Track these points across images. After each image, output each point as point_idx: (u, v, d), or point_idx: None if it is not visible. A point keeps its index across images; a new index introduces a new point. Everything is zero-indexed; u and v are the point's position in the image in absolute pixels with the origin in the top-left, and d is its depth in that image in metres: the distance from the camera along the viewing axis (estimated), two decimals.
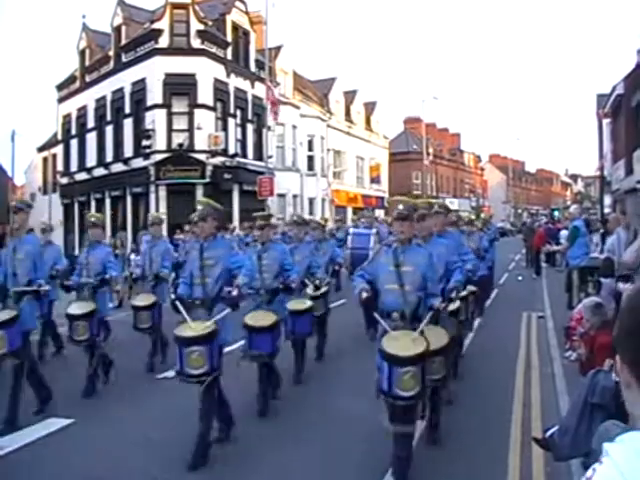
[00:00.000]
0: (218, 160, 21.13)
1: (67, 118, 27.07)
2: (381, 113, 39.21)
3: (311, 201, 27.86)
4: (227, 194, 21.61)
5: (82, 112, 25.57)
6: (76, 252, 18.14)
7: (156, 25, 21.28)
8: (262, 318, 5.50)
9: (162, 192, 20.52)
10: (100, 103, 24.04)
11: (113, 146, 23.23)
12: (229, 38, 22.53)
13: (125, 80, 22.20)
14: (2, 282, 5.35)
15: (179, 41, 21.19)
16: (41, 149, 32.26)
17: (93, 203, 24.44)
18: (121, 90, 22.47)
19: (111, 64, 23.46)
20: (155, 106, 20.73)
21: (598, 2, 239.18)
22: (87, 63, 25.42)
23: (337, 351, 7.89)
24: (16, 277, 5.35)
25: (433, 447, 4.53)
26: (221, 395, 4.69)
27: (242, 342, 5.56)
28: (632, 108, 20.08)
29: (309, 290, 7.02)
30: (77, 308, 6.43)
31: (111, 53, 23.47)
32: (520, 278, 16.62)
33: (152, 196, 20.75)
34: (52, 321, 8.06)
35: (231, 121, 22.54)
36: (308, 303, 6.70)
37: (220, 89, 21.81)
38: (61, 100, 27.85)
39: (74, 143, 26.53)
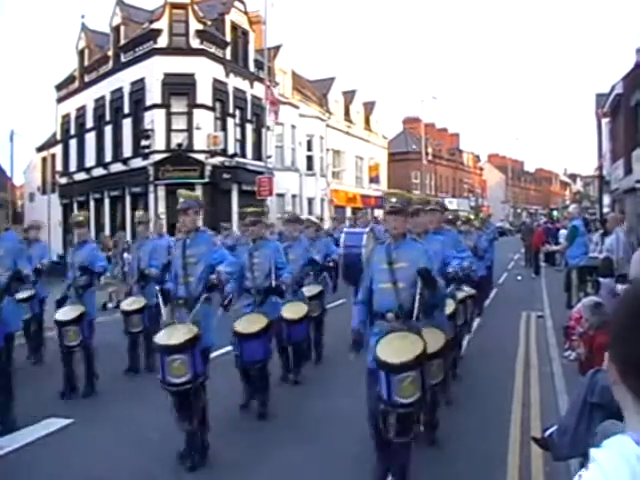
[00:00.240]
0: (217, 160, 21.11)
1: (66, 118, 27.02)
2: (380, 113, 39.15)
3: (310, 201, 27.85)
4: (226, 194, 21.65)
5: (81, 112, 25.54)
6: None
7: (155, 25, 21.26)
8: (253, 322, 5.32)
9: (161, 192, 20.48)
10: (99, 103, 24.01)
11: (112, 146, 23.19)
12: (228, 38, 22.50)
13: (124, 80, 22.17)
14: None
15: (178, 41, 21.16)
16: (40, 149, 32.17)
17: (92, 203, 24.39)
18: (120, 90, 22.44)
19: (110, 64, 23.42)
20: (154, 106, 20.71)
21: (598, 2, 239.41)
22: (86, 63, 25.37)
23: (335, 352, 7.86)
24: None
25: (432, 447, 4.51)
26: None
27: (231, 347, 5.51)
28: (631, 108, 20.07)
29: (305, 290, 6.92)
30: (65, 314, 6.24)
31: (110, 53, 23.43)
32: (519, 278, 16.65)
33: (151, 196, 20.75)
34: (41, 316, 7.82)
35: (230, 121, 22.51)
36: (304, 308, 6.51)
37: (219, 89, 21.79)
38: (60, 100, 27.79)
39: (73, 143, 26.48)
